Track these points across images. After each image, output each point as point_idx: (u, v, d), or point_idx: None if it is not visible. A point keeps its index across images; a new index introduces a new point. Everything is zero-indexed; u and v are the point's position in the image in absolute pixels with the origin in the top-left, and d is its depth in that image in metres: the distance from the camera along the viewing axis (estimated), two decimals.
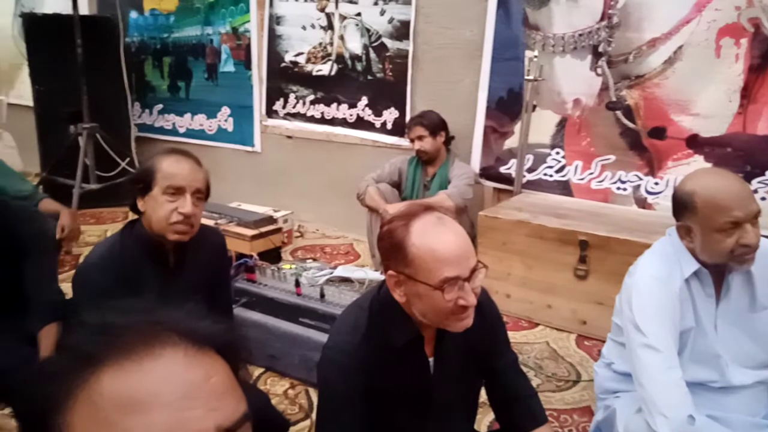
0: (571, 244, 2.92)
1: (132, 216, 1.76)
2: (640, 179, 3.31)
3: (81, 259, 3.28)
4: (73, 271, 1.87)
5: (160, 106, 5.28)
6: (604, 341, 2.01)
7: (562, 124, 3.51)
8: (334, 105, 4.34)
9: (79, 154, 4.35)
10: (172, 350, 0.52)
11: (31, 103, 5.00)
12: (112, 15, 4.93)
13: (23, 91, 5.71)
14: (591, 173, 3.45)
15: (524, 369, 1.64)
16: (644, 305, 1.62)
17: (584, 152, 3.46)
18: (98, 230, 4.46)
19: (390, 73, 4.06)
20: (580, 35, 3.36)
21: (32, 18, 4.90)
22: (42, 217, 2.30)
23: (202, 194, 1.69)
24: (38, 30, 4.79)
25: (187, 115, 5.13)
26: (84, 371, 0.50)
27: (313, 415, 2.22)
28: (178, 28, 5.02)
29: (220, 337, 0.56)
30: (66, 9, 4.53)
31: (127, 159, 4.69)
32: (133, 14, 5.23)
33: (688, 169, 2.90)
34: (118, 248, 1.72)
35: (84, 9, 4.89)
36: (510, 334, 1.63)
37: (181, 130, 5.19)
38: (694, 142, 3.15)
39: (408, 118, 3.86)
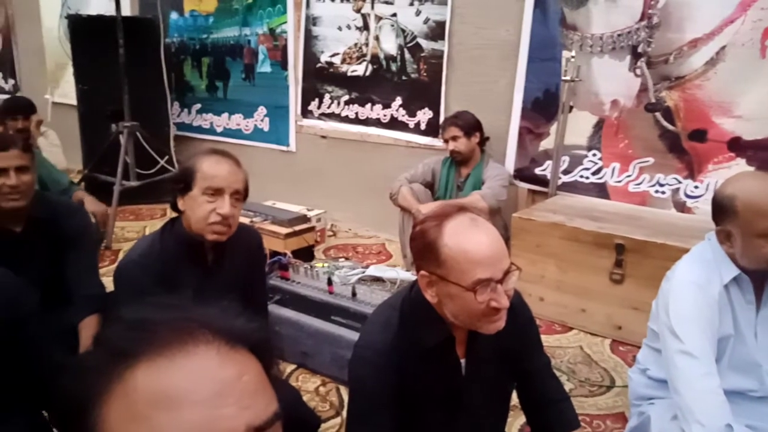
0: (607, 247, 2.88)
1: (172, 214, 1.80)
2: (680, 182, 3.24)
3: (121, 255, 3.38)
4: (113, 266, 1.93)
5: (199, 105, 5.38)
6: (639, 347, 1.98)
7: (599, 125, 3.46)
8: (369, 105, 4.36)
9: (120, 152, 4.46)
10: (205, 348, 0.52)
11: (74, 102, 5.16)
12: (154, 16, 5.05)
13: (67, 91, 5.89)
14: (629, 176, 3.39)
15: (557, 373, 1.62)
16: (682, 311, 1.59)
17: (622, 154, 3.40)
18: (137, 226, 4.57)
19: (424, 74, 4.06)
20: (619, 35, 3.30)
21: (77, 19, 5.04)
22: (85, 212, 2.38)
23: (241, 195, 1.71)
24: (82, 31, 4.94)
25: (225, 115, 5.22)
26: (119, 366, 0.50)
27: (344, 413, 2.24)
28: (216, 29, 5.11)
29: (252, 336, 0.56)
30: (109, 10, 4.65)
31: (166, 157, 4.79)
32: (174, 15, 5.34)
33: (729, 173, 2.83)
34: (158, 246, 1.75)
35: (126, 10, 5.02)
36: (543, 337, 1.62)
37: (219, 130, 5.28)
38: (736, 145, 3.07)
39: (442, 118, 3.85)
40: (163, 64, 5.03)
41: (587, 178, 3.51)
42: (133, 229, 4.50)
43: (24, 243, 2.04)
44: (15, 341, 1.37)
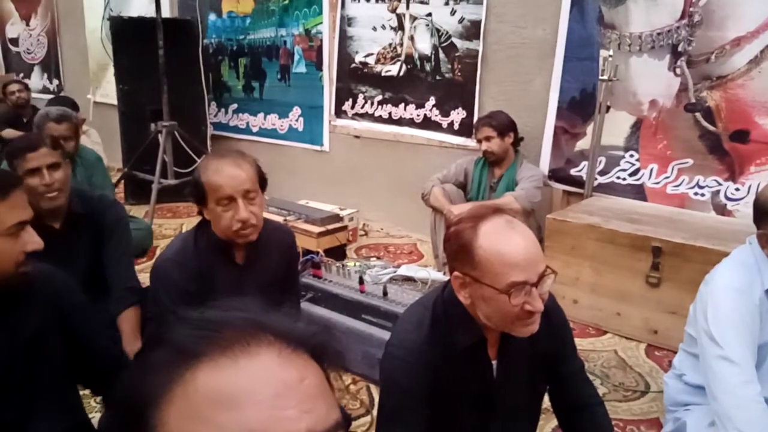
0: (644, 250, 2.82)
1: None
2: (720, 185, 3.16)
3: (158, 252, 3.44)
4: (150, 262, 1.98)
5: (235, 105, 5.47)
6: (675, 352, 1.94)
7: (637, 125, 3.40)
8: (402, 105, 4.37)
9: (159, 150, 4.56)
10: (267, 349, 0.52)
11: (115, 101, 5.29)
12: (192, 17, 5.15)
13: (109, 91, 6.05)
14: (667, 177, 3.32)
15: (590, 377, 1.60)
16: (721, 316, 1.56)
17: (660, 155, 3.33)
18: (175, 224, 4.67)
19: (458, 74, 4.05)
20: (659, 34, 3.23)
21: (118, 21, 5.16)
22: (120, 205, 2.43)
23: (255, 192, 1.70)
24: (124, 32, 5.05)
25: (260, 115, 5.28)
26: (181, 366, 0.50)
27: (374, 412, 2.25)
28: (253, 30, 5.18)
29: (314, 340, 0.56)
30: (150, 12, 4.76)
31: (203, 156, 4.87)
32: (212, 17, 5.44)
33: None
34: (192, 245, 1.79)
35: (166, 12, 5.12)
36: (577, 341, 1.60)
37: (255, 129, 5.35)
38: None
39: (476, 118, 3.83)
40: (201, 65, 5.13)
41: (624, 179, 3.45)
42: (170, 226, 4.60)
43: (64, 239, 2.10)
44: (68, 334, 1.40)
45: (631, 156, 3.42)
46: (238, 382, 0.49)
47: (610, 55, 3.31)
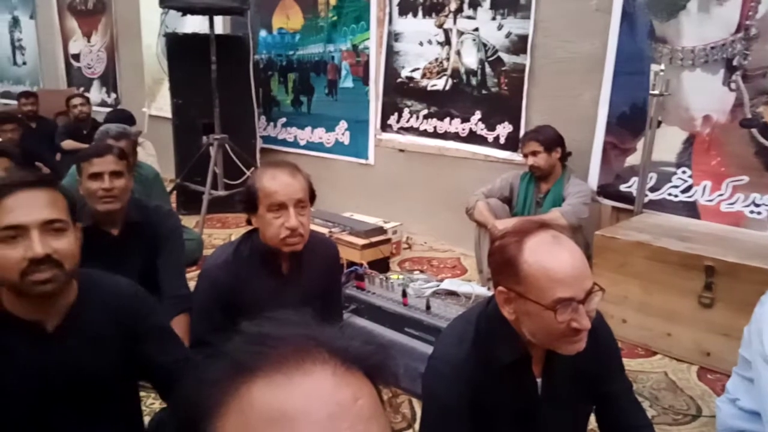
0: (696, 269, 2.74)
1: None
2: None
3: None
4: (198, 271, 2.05)
5: (284, 119, 5.58)
6: (729, 375, 1.88)
7: (689, 141, 3.31)
8: (447, 119, 4.37)
9: (210, 162, 4.69)
10: (321, 368, 0.51)
11: (169, 115, 5.47)
12: (244, 34, 5.29)
13: (163, 104, 6.27)
14: (721, 195, 3.22)
15: (639, 399, 1.56)
16: None
17: (714, 172, 3.24)
18: (224, 234, 4.78)
19: (505, 88, 4.04)
20: (713, 48, 3.16)
21: (174, 37, 5.35)
22: (176, 215, 2.52)
23: (305, 202, 1.75)
24: (178, 48, 5.23)
25: (308, 129, 5.38)
26: (237, 380, 0.51)
27: (416, 426, 2.24)
28: (302, 46, 5.29)
29: (368, 359, 0.55)
30: (203, 29, 4.92)
31: (252, 168, 4.98)
32: (263, 33, 5.58)
33: None
34: (231, 258, 1.84)
35: (219, 29, 5.29)
36: (625, 361, 1.57)
37: (302, 143, 5.45)
38: None
39: (522, 132, 3.81)
40: (252, 80, 5.26)
41: (676, 196, 3.37)
42: (219, 236, 4.71)
43: (121, 245, 2.19)
44: (135, 352, 1.41)
45: (684, 172, 3.33)
46: (292, 401, 0.49)
47: (662, 70, 3.25)
